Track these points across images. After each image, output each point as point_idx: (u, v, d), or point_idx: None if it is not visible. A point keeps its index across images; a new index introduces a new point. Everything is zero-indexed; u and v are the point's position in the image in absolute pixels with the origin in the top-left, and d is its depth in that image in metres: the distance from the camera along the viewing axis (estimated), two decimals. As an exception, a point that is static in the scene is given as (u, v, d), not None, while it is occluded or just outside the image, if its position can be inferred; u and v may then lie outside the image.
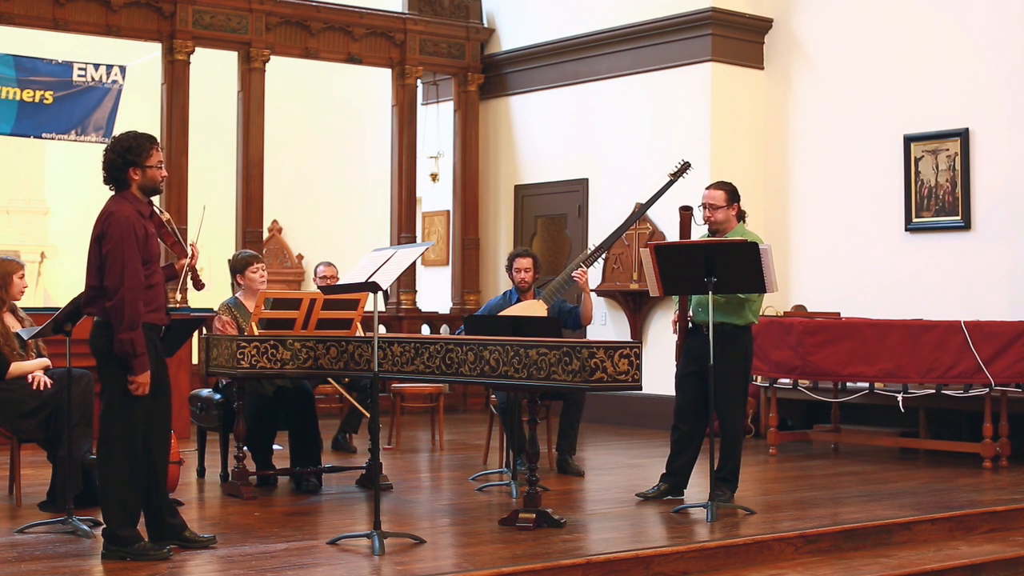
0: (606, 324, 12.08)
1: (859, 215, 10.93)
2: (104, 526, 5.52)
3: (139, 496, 5.53)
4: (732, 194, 7.13)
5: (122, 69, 11.42)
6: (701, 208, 7.14)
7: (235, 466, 7.26)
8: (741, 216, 7.22)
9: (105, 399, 5.53)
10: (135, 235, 5.42)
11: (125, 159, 5.53)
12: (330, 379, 8.35)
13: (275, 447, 7.82)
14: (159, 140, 11.20)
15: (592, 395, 8.52)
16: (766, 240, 8.06)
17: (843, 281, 10.96)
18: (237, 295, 7.78)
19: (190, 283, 5.95)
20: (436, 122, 13.73)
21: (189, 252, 5.81)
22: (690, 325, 7.18)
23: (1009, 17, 10.04)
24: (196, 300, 10.47)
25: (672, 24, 11.57)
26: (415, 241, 12.95)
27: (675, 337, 7.36)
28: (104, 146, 5.75)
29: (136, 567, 5.30)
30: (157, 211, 5.70)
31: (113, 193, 5.60)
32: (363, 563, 5.43)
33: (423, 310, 13.26)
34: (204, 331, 8.67)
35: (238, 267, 7.84)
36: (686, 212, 7.17)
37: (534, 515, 6.18)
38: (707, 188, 7.21)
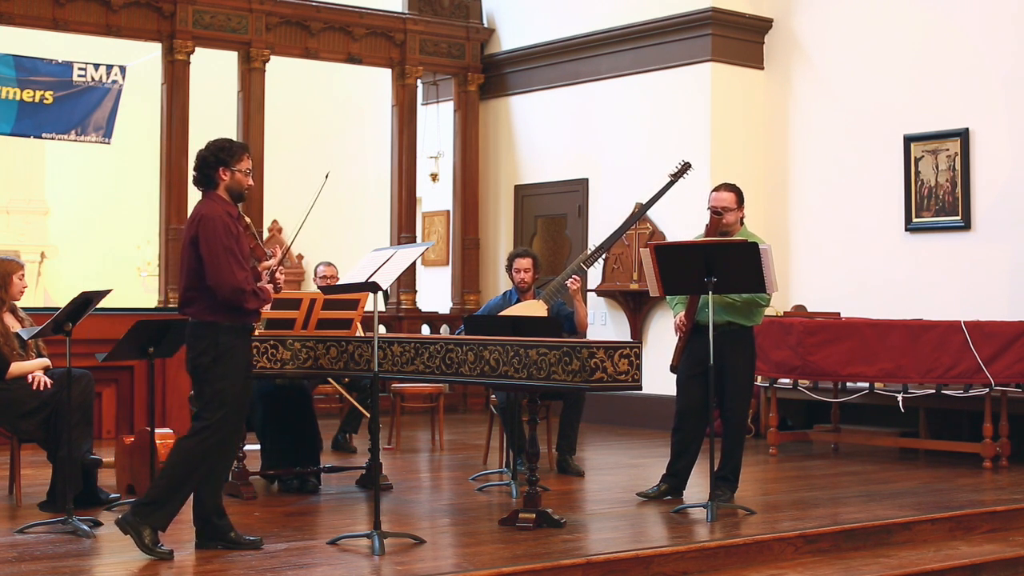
0: (606, 324, 12.08)
1: (859, 215, 10.93)
2: (145, 497, 5.57)
3: (194, 487, 5.62)
4: (740, 196, 7.14)
5: (122, 69, 11.42)
6: (718, 212, 7.10)
7: (235, 466, 7.26)
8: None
9: (203, 397, 5.60)
10: (228, 230, 5.56)
11: (218, 157, 5.67)
12: (330, 379, 8.35)
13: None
14: (159, 140, 11.20)
15: (592, 395, 8.51)
16: (766, 240, 8.05)
17: (843, 281, 10.96)
18: None
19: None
20: (436, 122, 13.73)
21: (272, 255, 5.94)
22: (696, 325, 7.15)
23: (1009, 17, 10.04)
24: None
25: (672, 24, 11.57)
26: (415, 241, 12.95)
27: (674, 338, 7.34)
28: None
29: (136, 566, 5.31)
30: (251, 226, 5.82)
31: (201, 196, 5.73)
32: (363, 563, 5.43)
33: (423, 310, 13.26)
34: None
35: None
36: (717, 216, 7.11)
37: (534, 515, 6.18)
38: (714, 191, 7.19)
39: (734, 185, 7.22)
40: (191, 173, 5.77)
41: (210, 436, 5.55)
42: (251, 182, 5.77)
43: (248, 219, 5.85)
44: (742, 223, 7.20)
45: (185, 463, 5.55)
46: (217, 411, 5.55)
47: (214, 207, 5.62)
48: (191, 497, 5.69)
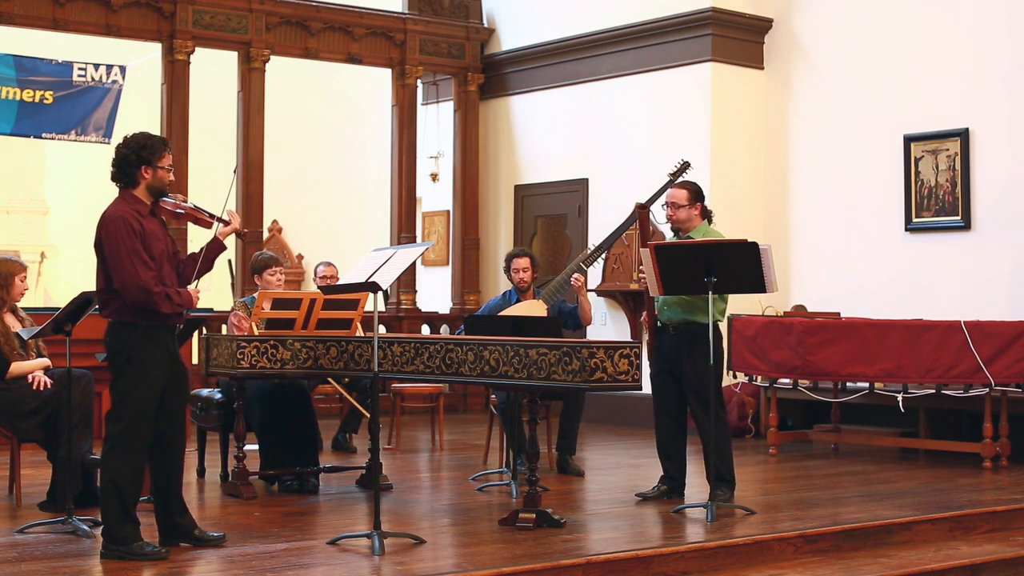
0: (606, 324, 12.08)
1: (859, 215, 10.93)
2: (103, 525, 5.53)
3: (138, 495, 5.55)
4: (695, 194, 7.18)
5: (122, 69, 11.42)
6: (664, 207, 7.18)
7: (235, 466, 7.27)
8: (708, 216, 7.25)
9: (113, 397, 5.56)
10: (131, 230, 5.46)
11: (139, 156, 5.59)
12: (330, 379, 8.35)
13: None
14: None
15: (592, 395, 8.51)
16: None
17: (843, 281, 10.96)
18: (255, 295, 7.84)
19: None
20: (436, 122, 13.73)
21: (227, 219, 5.88)
22: (658, 324, 7.19)
23: (1008, 17, 10.03)
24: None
25: (672, 24, 11.57)
26: (415, 241, 12.95)
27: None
28: (114, 144, 5.84)
29: (135, 567, 5.31)
30: (174, 200, 5.72)
31: (117, 195, 5.65)
32: (363, 563, 5.43)
33: (423, 310, 13.26)
34: (204, 331, 8.70)
35: (258, 268, 8.10)
36: (643, 210, 7.18)
37: (534, 515, 6.18)
38: (671, 187, 7.25)
39: (690, 183, 7.27)
40: (110, 170, 5.64)
41: (122, 450, 5.47)
42: (172, 177, 5.68)
43: (182, 197, 5.79)
44: (708, 219, 7.22)
45: (111, 481, 5.47)
46: (120, 418, 5.47)
47: (119, 207, 5.54)
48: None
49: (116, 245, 5.44)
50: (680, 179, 7.84)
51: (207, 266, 5.84)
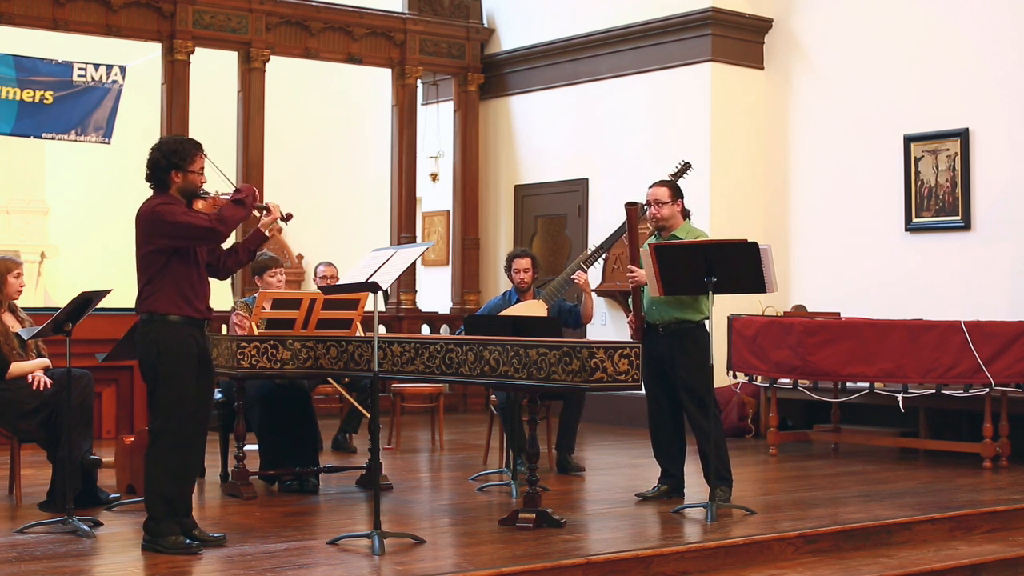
0: (606, 324, 12.08)
1: (859, 215, 10.93)
2: (147, 517, 5.62)
3: (179, 490, 5.65)
4: (676, 190, 7.18)
5: (122, 69, 11.42)
6: (647, 206, 7.17)
7: (235, 466, 7.27)
8: (686, 214, 7.27)
9: (151, 395, 5.66)
10: (173, 205, 5.60)
11: (169, 161, 5.69)
12: (330, 379, 8.35)
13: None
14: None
15: (592, 395, 8.51)
16: (759, 239, 8.05)
17: (843, 281, 10.96)
18: (256, 295, 7.85)
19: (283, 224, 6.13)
20: (436, 122, 13.73)
21: (269, 209, 5.94)
22: (647, 325, 7.18)
23: (1008, 17, 10.04)
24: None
25: (672, 24, 11.57)
26: (415, 241, 12.95)
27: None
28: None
29: (136, 566, 5.31)
30: (212, 197, 5.79)
31: (152, 194, 5.76)
32: (363, 563, 5.43)
33: (423, 310, 13.26)
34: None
35: (258, 269, 8.09)
36: (632, 207, 7.17)
37: (534, 515, 6.18)
38: (650, 186, 7.25)
39: (668, 180, 7.28)
40: (144, 171, 5.75)
41: (168, 437, 5.59)
42: (205, 179, 5.78)
43: (218, 192, 5.86)
44: (688, 217, 7.24)
45: (158, 470, 5.60)
46: (163, 411, 5.59)
47: (152, 202, 5.68)
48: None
49: (168, 219, 5.57)
50: (683, 180, 7.86)
51: (248, 257, 5.99)
